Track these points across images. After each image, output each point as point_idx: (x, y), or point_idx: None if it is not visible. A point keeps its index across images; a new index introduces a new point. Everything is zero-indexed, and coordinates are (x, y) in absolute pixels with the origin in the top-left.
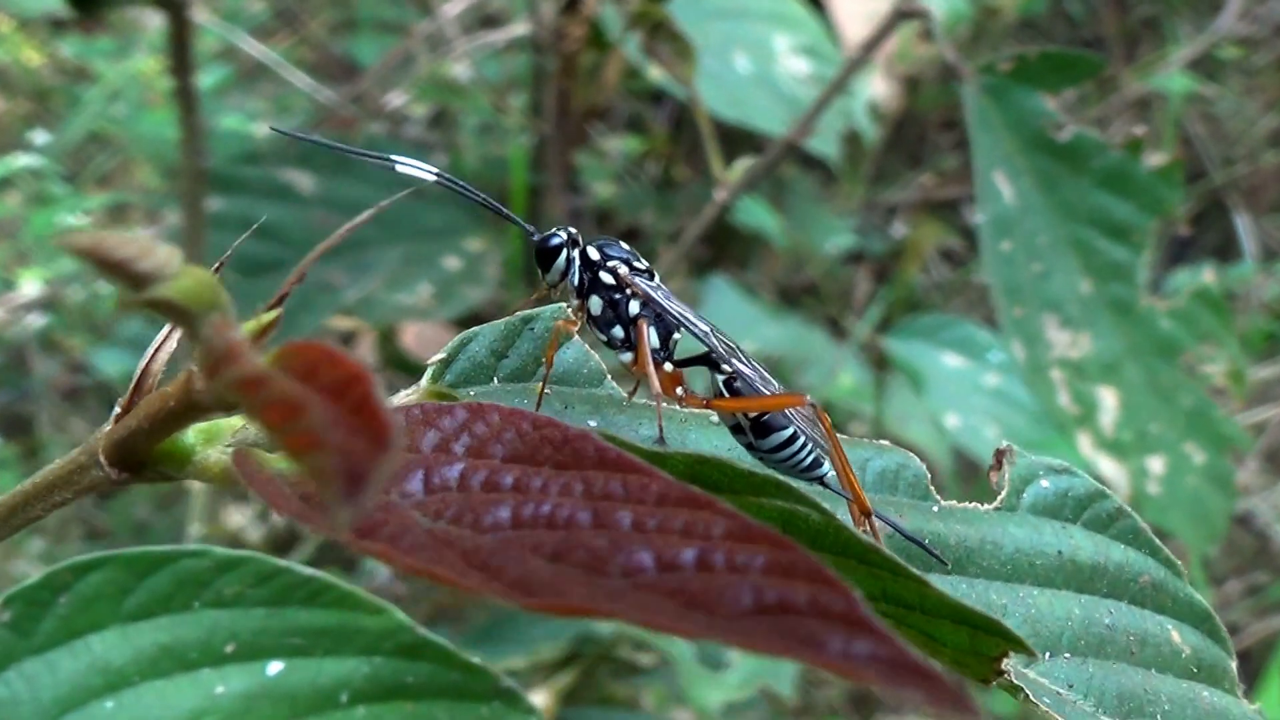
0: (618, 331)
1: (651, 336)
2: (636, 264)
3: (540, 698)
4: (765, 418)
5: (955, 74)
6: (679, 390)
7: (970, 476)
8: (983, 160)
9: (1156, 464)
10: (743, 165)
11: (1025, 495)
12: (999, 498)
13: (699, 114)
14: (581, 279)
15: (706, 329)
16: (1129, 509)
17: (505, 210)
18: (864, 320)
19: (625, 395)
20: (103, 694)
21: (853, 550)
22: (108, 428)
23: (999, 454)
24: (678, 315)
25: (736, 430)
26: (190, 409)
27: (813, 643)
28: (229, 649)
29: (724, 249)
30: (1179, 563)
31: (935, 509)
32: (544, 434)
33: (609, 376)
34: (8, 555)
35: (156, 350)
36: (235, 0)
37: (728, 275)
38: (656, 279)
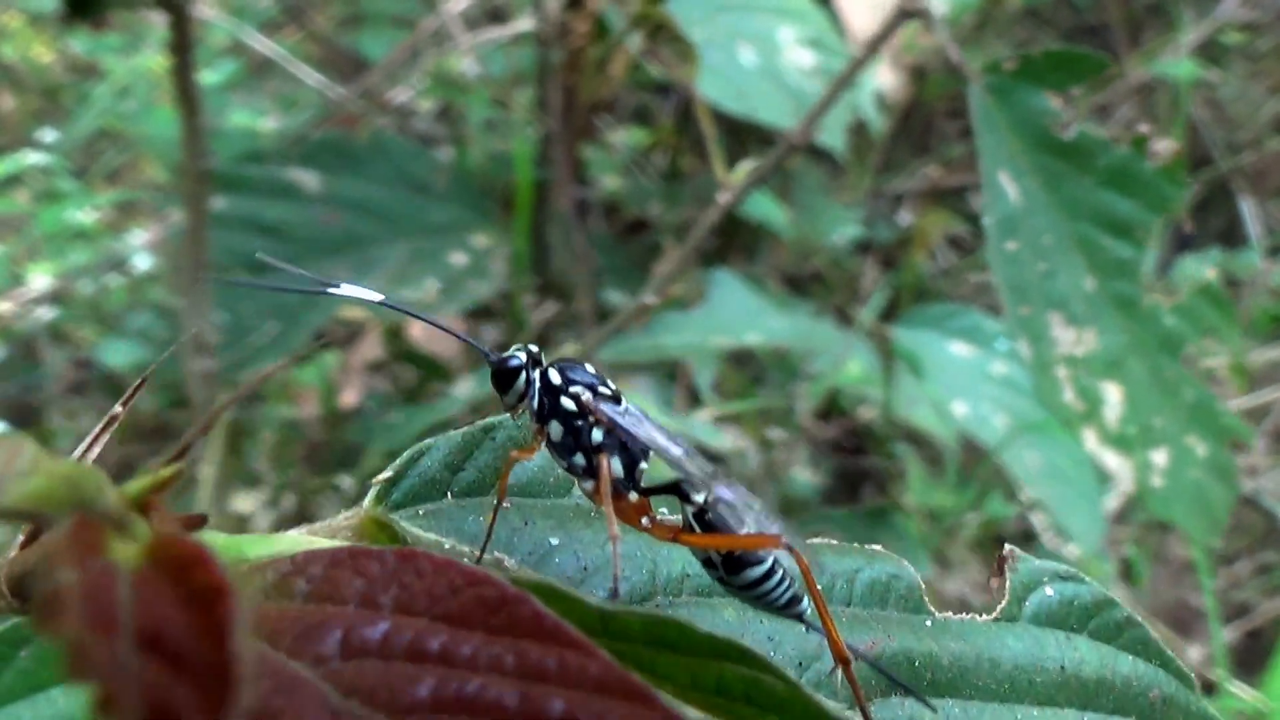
0: (579, 460)
1: (615, 466)
2: (602, 389)
3: None
4: (738, 553)
5: (960, 72)
6: (645, 521)
7: (976, 462)
8: (988, 161)
9: (1160, 457)
10: (746, 167)
11: (1028, 604)
12: (999, 607)
13: (701, 114)
14: (541, 402)
15: (680, 453)
16: (1138, 618)
17: (466, 336)
18: (870, 309)
19: (594, 505)
20: None
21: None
22: (10, 556)
23: (1000, 560)
24: (647, 441)
25: (708, 564)
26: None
27: None
28: None
29: (731, 239)
30: (1190, 674)
31: (928, 623)
32: (478, 592)
33: (575, 488)
34: None
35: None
36: None
37: (735, 265)
38: (624, 404)
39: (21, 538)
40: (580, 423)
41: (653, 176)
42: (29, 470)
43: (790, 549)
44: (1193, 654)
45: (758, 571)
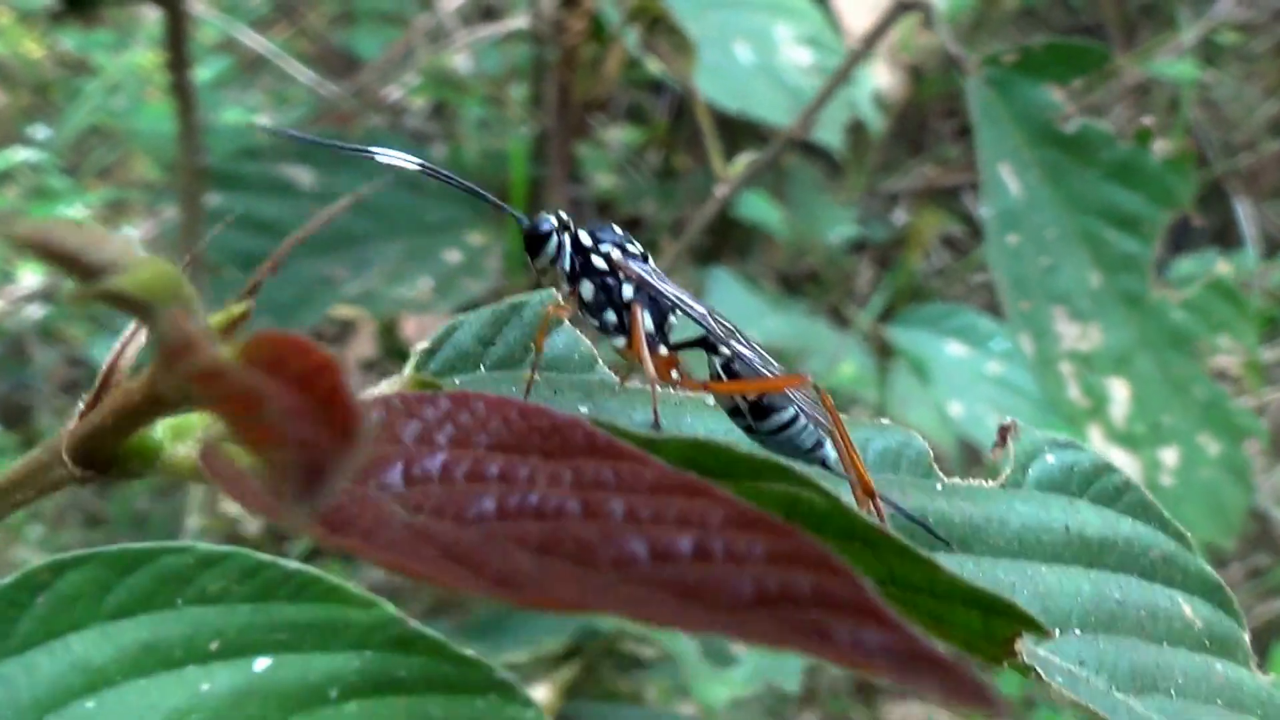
0: (610, 316)
1: (645, 320)
2: (630, 248)
3: (542, 692)
4: (764, 399)
5: (959, 65)
6: (674, 374)
7: (974, 464)
8: (988, 153)
9: (1170, 456)
10: (744, 160)
11: (1030, 471)
12: (1003, 474)
13: (698, 109)
14: (573, 264)
15: (703, 310)
16: (1136, 482)
17: (490, 196)
18: (867, 309)
19: (617, 380)
20: (84, 694)
21: (858, 533)
22: (71, 424)
23: (1003, 430)
24: (673, 298)
25: (734, 413)
26: (156, 404)
27: (819, 634)
28: (214, 646)
29: (725, 238)
30: (1188, 535)
31: (939, 487)
32: (531, 422)
33: (600, 361)
34: (7, 543)
35: (124, 345)
36: None
37: (729, 264)
38: (650, 262)
39: (82, 406)
40: (611, 280)
41: (647, 175)
42: (137, 261)
43: (816, 387)
44: None
45: (783, 416)
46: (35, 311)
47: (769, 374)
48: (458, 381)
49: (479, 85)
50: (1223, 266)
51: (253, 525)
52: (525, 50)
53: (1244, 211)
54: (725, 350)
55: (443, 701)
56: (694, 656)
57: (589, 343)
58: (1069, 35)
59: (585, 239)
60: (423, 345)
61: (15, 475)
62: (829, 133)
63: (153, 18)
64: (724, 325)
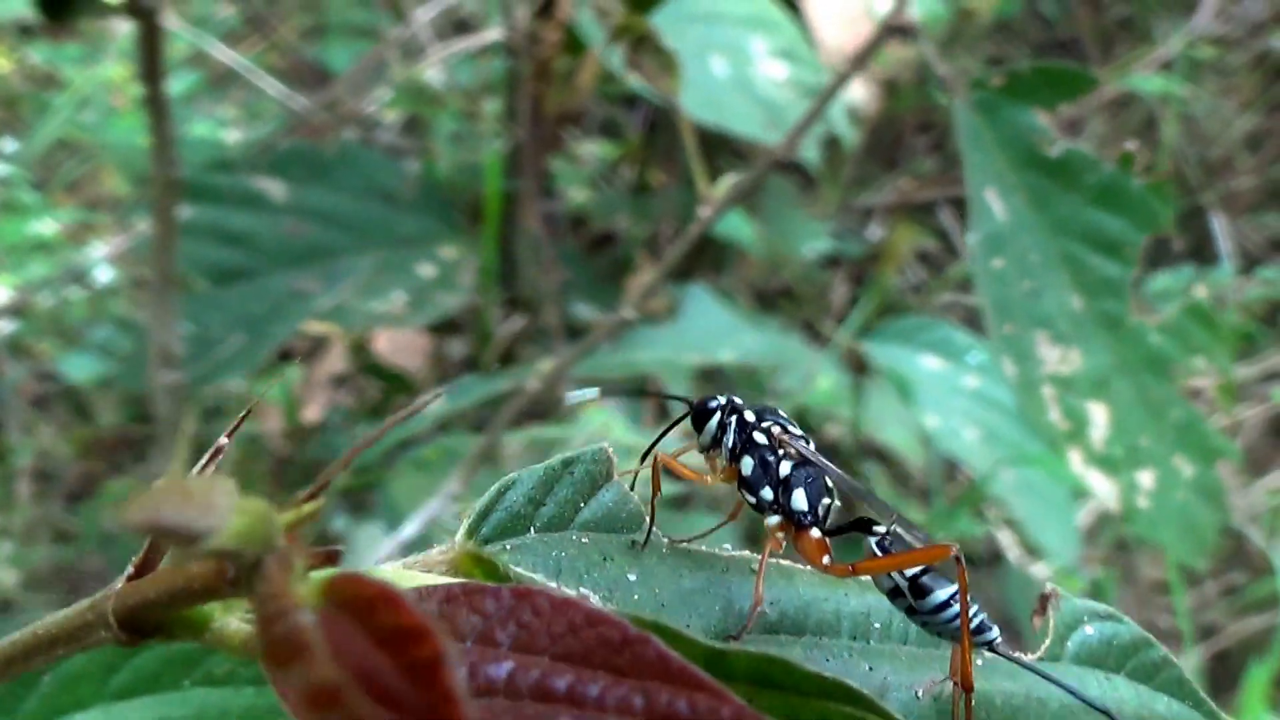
0: (766, 494)
1: (800, 500)
2: (792, 428)
3: None
4: (923, 579)
5: (940, 83)
6: (825, 559)
7: (949, 479)
8: (975, 178)
9: (1147, 478)
10: (728, 181)
11: (1070, 643)
12: (1043, 646)
13: (684, 127)
14: (735, 439)
15: (866, 489)
16: (1173, 658)
17: (670, 393)
18: (845, 325)
19: (666, 541)
20: None
21: None
22: (118, 586)
23: (1043, 599)
24: (834, 477)
25: (894, 594)
26: (214, 594)
27: None
28: None
29: (701, 253)
30: (1223, 714)
31: (979, 663)
32: (600, 632)
33: (648, 520)
34: None
35: None
36: (205, 5)
37: (704, 280)
38: (811, 444)
39: (131, 570)
40: (771, 456)
41: (621, 190)
42: (232, 509)
43: (959, 559)
44: None
45: (943, 595)
46: (5, 326)
47: (919, 542)
48: (508, 546)
49: (453, 99)
50: (1200, 290)
51: None
52: (499, 64)
53: (1220, 227)
54: (881, 529)
55: None
56: None
57: (636, 499)
58: (1045, 50)
59: (749, 415)
60: (476, 506)
61: (59, 631)
62: (805, 148)
63: (123, 31)
64: (882, 504)
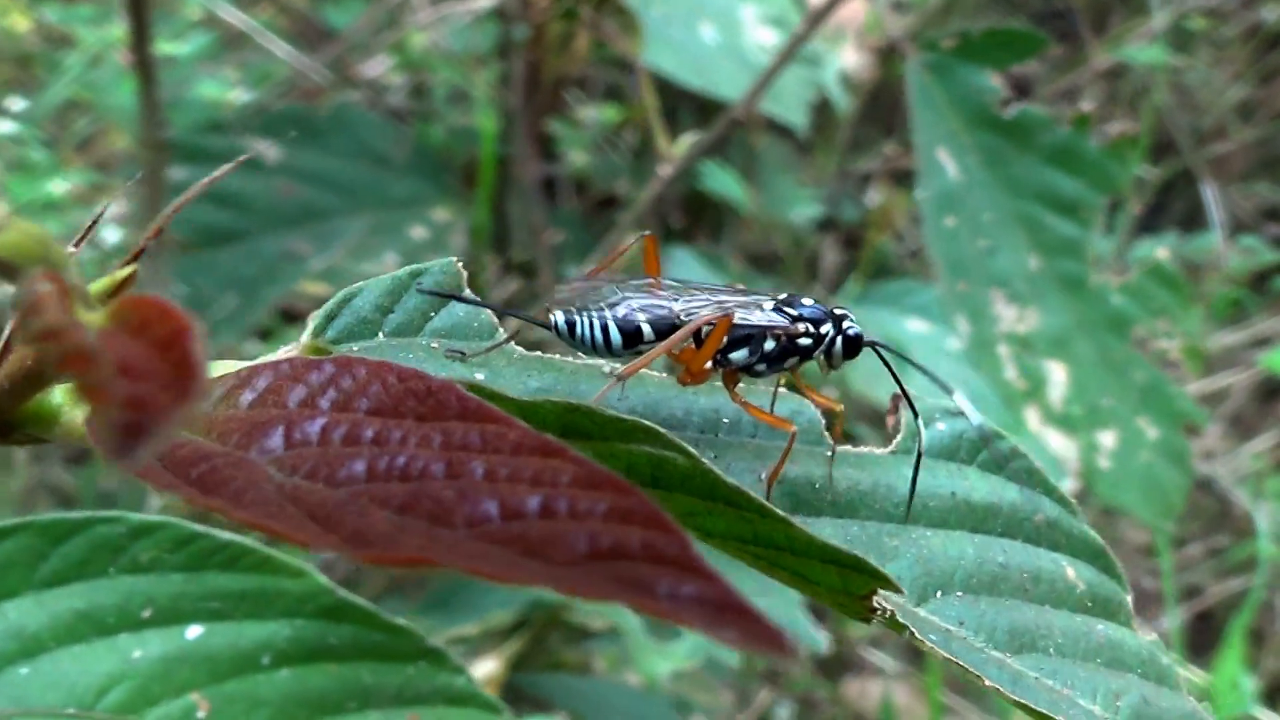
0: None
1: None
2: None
3: (491, 664)
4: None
5: (897, 49)
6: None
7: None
8: (925, 137)
9: (1108, 438)
10: (688, 140)
11: (922, 439)
12: (894, 442)
13: (644, 86)
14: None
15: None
16: (1024, 450)
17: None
18: (839, 292)
19: (517, 350)
20: (17, 660)
21: (719, 494)
22: None
23: (894, 399)
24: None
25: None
26: (47, 370)
27: (642, 587)
28: (146, 614)
29: (698, 217)
30: (1073, 501)
31: (828, 453)
32: (408, 386)
33: (500, 330)
34: None
35: None
36: None
37: (701, 244)
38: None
39: None
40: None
41: (624, 154)
42: (4, 223)
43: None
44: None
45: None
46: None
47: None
48: (355, 348)
49: (448, 63)
50: (1162, 252)
51: None
52: (493, 30)
53: (1211, 195)
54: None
55: (373, 668)
56: (637, 630)
57: (488, 313)
58: (1040, 20)
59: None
60: (321, 310)
61: None
62: (793, 112)
63: None
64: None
